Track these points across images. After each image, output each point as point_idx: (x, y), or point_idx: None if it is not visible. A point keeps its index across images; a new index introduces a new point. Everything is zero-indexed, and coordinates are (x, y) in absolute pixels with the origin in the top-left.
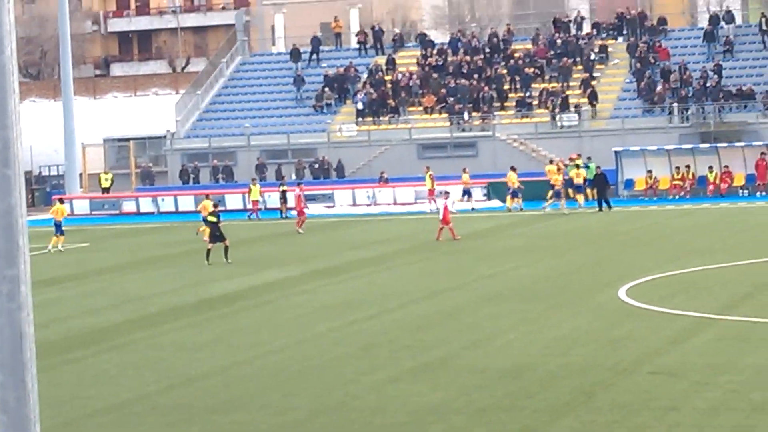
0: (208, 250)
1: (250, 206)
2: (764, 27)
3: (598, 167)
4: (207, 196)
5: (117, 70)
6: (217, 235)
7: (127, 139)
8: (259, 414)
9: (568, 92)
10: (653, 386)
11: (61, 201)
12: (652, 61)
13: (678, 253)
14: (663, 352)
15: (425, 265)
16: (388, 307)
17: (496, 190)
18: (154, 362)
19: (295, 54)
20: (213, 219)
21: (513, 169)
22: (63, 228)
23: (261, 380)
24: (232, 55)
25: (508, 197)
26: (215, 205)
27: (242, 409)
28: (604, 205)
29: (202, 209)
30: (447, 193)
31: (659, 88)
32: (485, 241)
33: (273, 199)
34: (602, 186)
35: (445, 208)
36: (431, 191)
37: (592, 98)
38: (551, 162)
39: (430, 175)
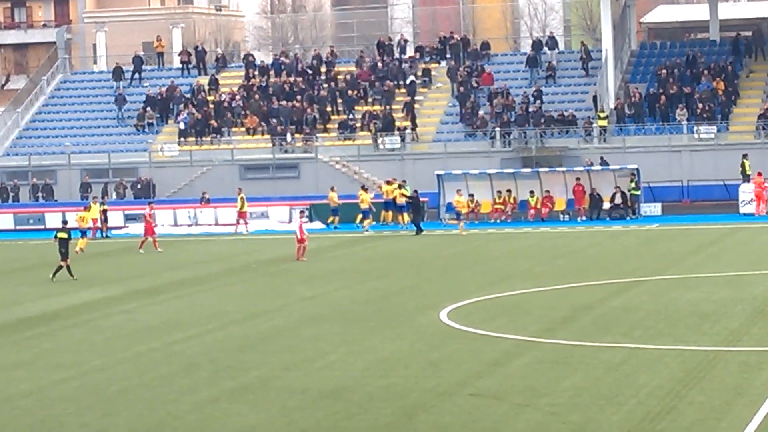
0: (59, 267)
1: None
2: (584, 55)
3: (415, 191)
4: (86, 209)
5: None
6: (63, 252)
7: None
8: None
9: (390, 115)
10: (474, 408)
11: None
12: (475, 85)
13: (499, 277)
14: (484, 375)
15: (246, 286)
16: (209, 327)
17: (318, 212)
18: None
19: (117, 72)
20: (64, 235)
21: (333, 189)
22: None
23: (80, 400)
24: (53, 73)
25: (331, 216)
26: (65, 222)
27: (60, 429)
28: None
29: (81, 220)
30: (302, 212)
31: (481, 112)
32: (306, 263)
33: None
34: (416, 209)
35: (301, 226)
36: (242, 213)
37: (415, 122)
38: (364, 188)
39: (242, 197)
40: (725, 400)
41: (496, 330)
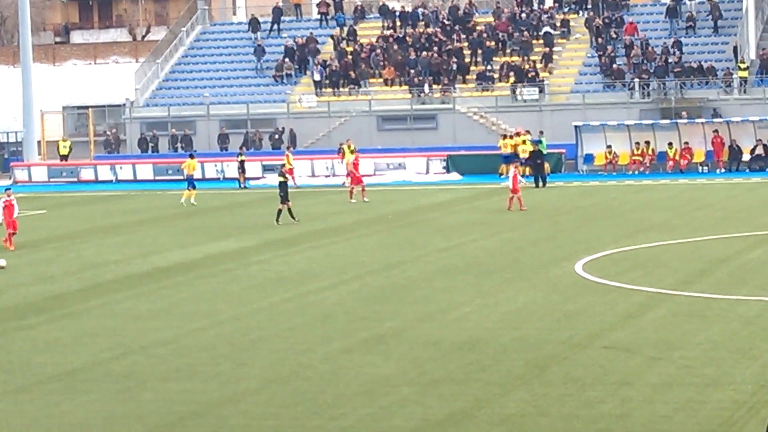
0: (279, 210)
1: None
2: (715, 12)
3: (534, 144)
4: (191, 156)
5: (77, 37)
6: (282, 196)
7: (87, 107)
8: (211, 383)
9: (528, 66)
10: (607, 361)
11: (192, 156)
12: (614, 36)
13: (635, 229)
14: (618, 327)
15: (381, 238)
16: (344, 278)
17: (455, 163)
18: (108, 330)
19: (253, 24)
20: (282, 179)
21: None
22: (194, 182)
23: (214, 349)
24: (193, 24)
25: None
26: (282, 166)
27: (194, 377)
28: (540, 181)
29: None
30: (518, 160)
31: (619, 63)
32: (441, 214)
33: (231, 169)
34: (537, 162)
35: (515, 177)
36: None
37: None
38: (506, 137)
39: (352, 149)
40: None
41: (631, 282)
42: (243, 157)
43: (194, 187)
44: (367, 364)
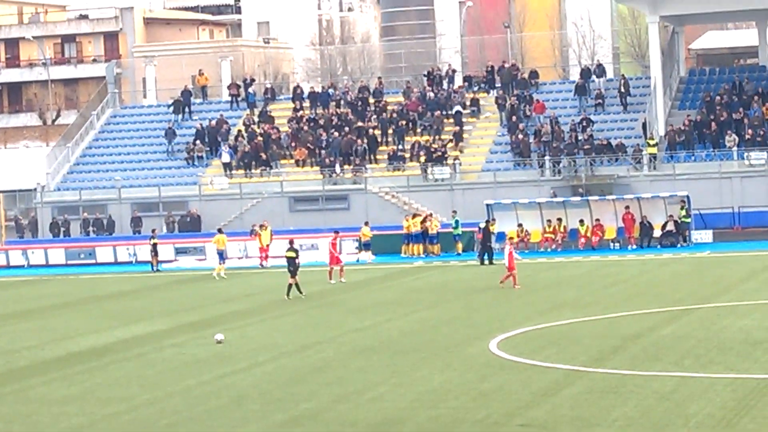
0: (290, 285)
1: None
2: (622, 90)
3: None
4: (220, 231)
5: None
6: (292, 270)
7: None
8: None
9: (438, 145)
10: None
11: (220, 231)
12: (525, 114)
13: (548, 306)
14: (534, 405)
15: (296, 318)
16: (259, 360)
17: (368, 243)
18: (22, 416)
19: (176, 106)
20: (292, 254)
21: (366, 224)
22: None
23: None
24: (103, 108)
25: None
26: (291, 241)
27: None
28: (486, 257)
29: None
30: (511, 238)
31: (530, 141)
32: (356, 294)
33: (143, 252)
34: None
35: (510, 254)
36: (264, 248)
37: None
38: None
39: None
40: None
41: (546, 360)
42: (155, 240)
43: (223, 261)
44: None
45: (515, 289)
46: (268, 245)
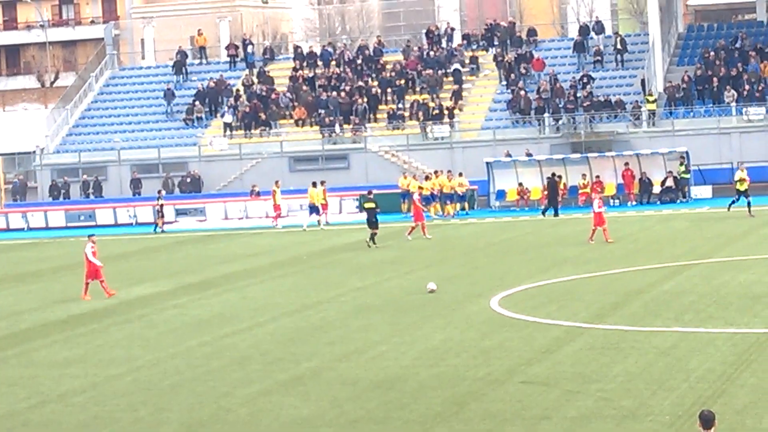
0: (373, 234)
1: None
2: (619, 47)
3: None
4: (314, 184)
5: None
6: (373, 222)
7: None
8: (130, 429)
9: (434, 104)
10: (525, 396)
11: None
12: (523, 71)
13: (549, 264)
14: (535, 362)
15: (297, 279)
16: (260, 320)
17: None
18: (25, 379)
19: (177, 66)
20: (371, 205)
21: (314, 184)
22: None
23: (133, 395)
24: (102, 69)
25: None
26: (369, 192)
27: (114, 424)
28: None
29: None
30: (600, 192)
31: (530, 98)
32: (356, 254)
33: (144, 214)
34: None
35: (600, 207)
36: (277, 207)
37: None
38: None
39: (274, 190)
40: None
41: (547, 317)
42: (162, 201)
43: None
44: (287, 406)
45: (608, 242)
46: (279, 204)
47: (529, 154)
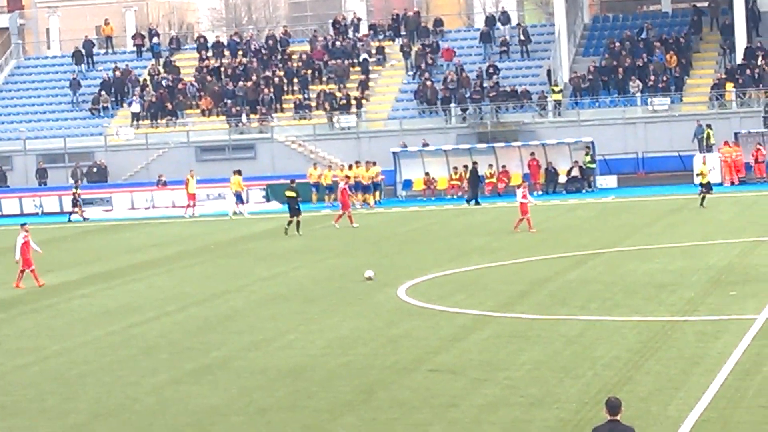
0: (289, 222)
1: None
2: (522, 38)
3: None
4: (238, 172)
5: None
6: (295, 209)
7: None
8: (38, 419)
9: (341, 94)
10: (433, 383)
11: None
12: (430, 62)
13: (456, 253)
14: (442, 350)
15: (204, 268)
16: (168, 309)
17: (275, 193)
18: None
19: (77, 56)
20: (292, 194)
21: (238, 173)
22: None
23: (40, 385)
24: (7, 59)
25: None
26: (292, 181)
27: (21, 414)
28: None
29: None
30: (524, 182)
31: (437, 88)
32: (264, 243)
33: (49, 204)
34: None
35: (524, 197)
36: (192, 195)
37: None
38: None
39: (188, 179)
40: (682, 369)
41: (454, 305)
42: (78, 191)
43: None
44: (195, 395)
45: (531, 232)
46: (193, 193)
47: (425, 144)
